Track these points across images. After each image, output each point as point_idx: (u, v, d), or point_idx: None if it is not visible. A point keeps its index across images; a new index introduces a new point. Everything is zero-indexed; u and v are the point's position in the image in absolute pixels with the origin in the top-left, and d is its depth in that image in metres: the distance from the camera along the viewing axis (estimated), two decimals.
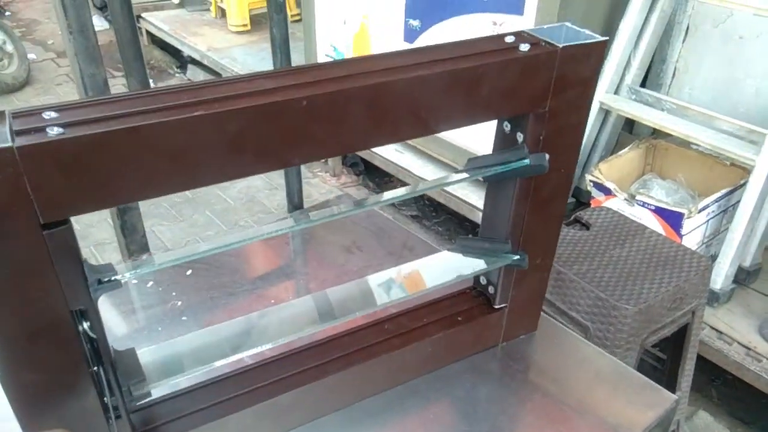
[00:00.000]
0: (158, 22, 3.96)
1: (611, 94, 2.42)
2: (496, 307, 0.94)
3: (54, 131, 0.51)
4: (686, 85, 2.57)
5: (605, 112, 2.47)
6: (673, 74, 2.65)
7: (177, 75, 4.18)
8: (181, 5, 4.18)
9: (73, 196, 0.53)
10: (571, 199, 2.49)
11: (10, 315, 0.56)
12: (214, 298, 1.02)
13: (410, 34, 2.59)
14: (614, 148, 2.60)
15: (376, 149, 2.74)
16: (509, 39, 0.71)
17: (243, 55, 3.69)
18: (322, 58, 3.02)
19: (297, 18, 3.62)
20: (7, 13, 4.30)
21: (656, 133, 2.49)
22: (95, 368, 0.64)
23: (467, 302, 0.96)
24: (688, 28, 2.56)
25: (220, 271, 1.14)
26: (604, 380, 0.96)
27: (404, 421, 0.89)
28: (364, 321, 0.93)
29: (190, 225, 2.83)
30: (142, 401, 0.73)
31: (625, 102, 2.42)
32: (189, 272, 1.12)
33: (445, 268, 0.90)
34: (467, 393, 0.92)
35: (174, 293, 1.07)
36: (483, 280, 0.96)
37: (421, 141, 2.59)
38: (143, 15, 4.13)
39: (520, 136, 0.78)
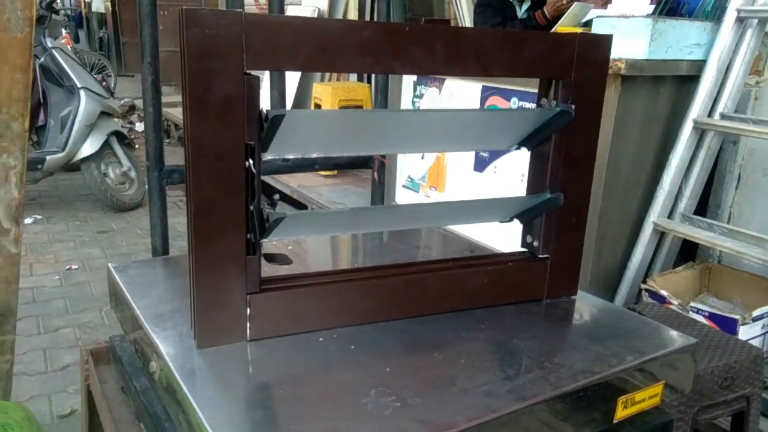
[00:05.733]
0: None
1: (664, 218, 2.66)
2: (540, 257, 1.16)
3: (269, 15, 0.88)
4: (742, 228, 2.76)
5: (660, 234, 2.69)
6: (728, 220, 2.87)
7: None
8: None
9: (267, 56, 0.88)
10: None
11: (210, 132, 0.88)
12: None
13: (480, 164, 2.99)
14: None
15: None
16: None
17: (327, 192, 4.29)
18: (399, 189, 3.46)
19: None
20: (137, 146, 5.13)
21: None
22: (250, 201, 0.93)
23: (517, 255, 1.20)
24: (739, 176, 2.85)
25: None
26: (633, 329, 1.13)
27: (458, 332, 1.08)
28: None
29: None
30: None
31: (678, 225, 2.64)
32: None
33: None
34: (509, 319, 1.13)
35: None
36: (529, 239, 1.19)
37: None
38: None
39: (554, 103, 1.08)
